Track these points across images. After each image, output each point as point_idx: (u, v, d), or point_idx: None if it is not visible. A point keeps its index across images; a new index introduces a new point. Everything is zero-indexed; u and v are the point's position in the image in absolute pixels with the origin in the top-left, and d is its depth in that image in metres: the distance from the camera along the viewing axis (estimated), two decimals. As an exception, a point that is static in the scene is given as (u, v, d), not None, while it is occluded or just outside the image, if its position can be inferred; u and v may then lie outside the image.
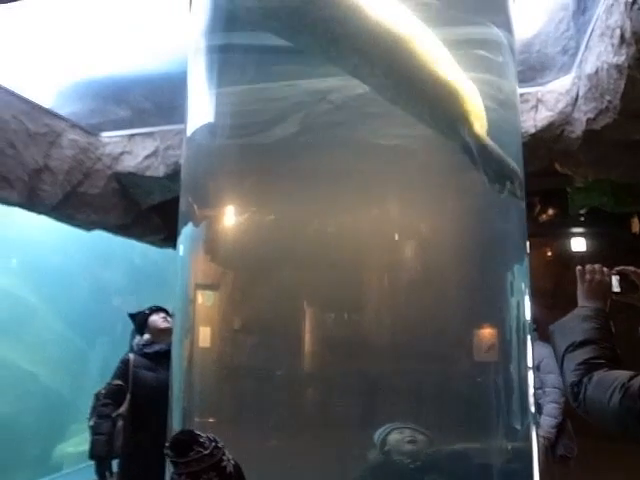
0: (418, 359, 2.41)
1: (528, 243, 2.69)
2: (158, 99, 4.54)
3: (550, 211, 6.60)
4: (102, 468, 3.01)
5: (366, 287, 2.71)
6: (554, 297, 6.40)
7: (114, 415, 3.04)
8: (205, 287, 2.87)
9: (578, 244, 7.19)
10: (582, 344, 1.35)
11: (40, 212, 4.15)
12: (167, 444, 1.44)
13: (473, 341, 2.44)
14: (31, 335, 7.13)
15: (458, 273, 2.53)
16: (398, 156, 2.61)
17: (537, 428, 3.96)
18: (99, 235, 5.55)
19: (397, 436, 2.28)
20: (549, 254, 7.66)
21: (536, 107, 3.71)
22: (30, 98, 4.02)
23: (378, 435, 2.32)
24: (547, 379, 4.05)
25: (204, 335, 2.75)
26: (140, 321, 3.42)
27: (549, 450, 3.97)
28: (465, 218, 2.61)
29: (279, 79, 2.83)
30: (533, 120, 3.71)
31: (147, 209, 4.96)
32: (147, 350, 3.28)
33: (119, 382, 3.15)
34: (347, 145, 2.66)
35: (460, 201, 2.67)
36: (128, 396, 3.11)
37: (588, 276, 1.47)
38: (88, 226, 4.68)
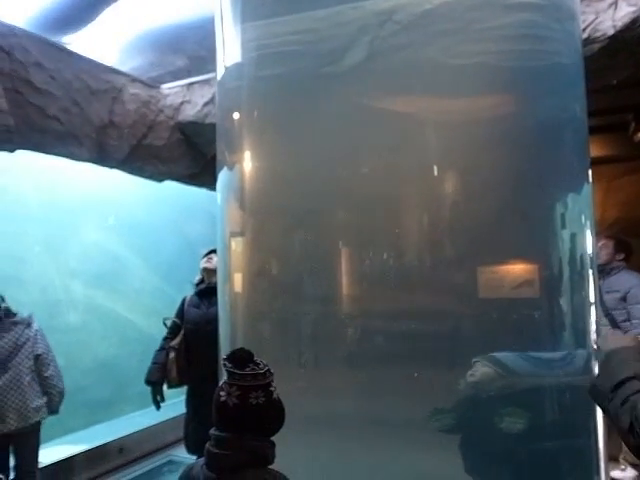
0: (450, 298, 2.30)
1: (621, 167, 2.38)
2: (213, 45, 4.54)
3: (648, 129, 5.91)
4: (154, 393, 3.31)
5: (409, 223, 2.59)
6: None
7: (167, 347, 3.29)
8: (239, 234, 2.88)
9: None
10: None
11: (110, 166, 4.36)
12: (225, 356, 1.50)
13: (503, 276, 2.28)
14: (126, 286, 7.72)
15: (494, 205, 2.34)
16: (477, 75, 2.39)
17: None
18: (182, 190, 5.80)
19: (485, 370, 2.21)
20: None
21: (615, 4, 3.25)
22: (92, 57, 4.16)
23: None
24: (634, 310, 3.72)
25: (238, 280, 2.79)
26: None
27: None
28: (506, 143, 2.38)
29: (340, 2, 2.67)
30: (612, 20, 3.26)
31: (213, 157, 5.04)
32: (196, 289, 3.49)
33: (175, 319, 3.38)
34: (419, 68, 2.48)
35: (504, 123, 2.42)
36: (181, 331, 3.32)
37: None
38: (158, 177, 4.86)
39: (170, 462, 4.45)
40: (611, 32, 3.25)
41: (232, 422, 1.43)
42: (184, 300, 3.49)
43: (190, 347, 3.35)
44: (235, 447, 1.40)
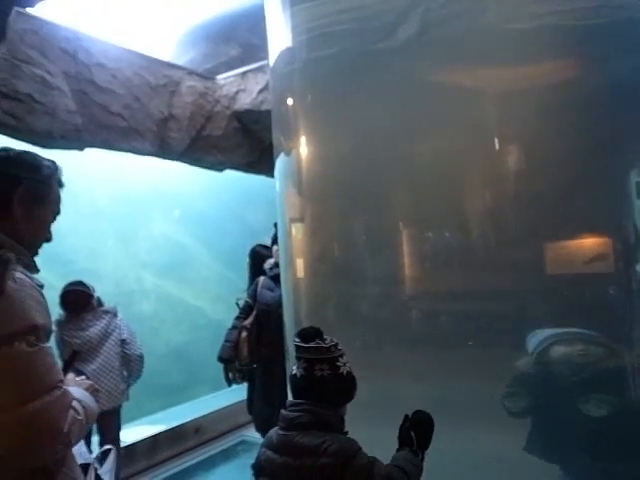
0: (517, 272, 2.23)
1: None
2: (264, 32, 4.57)
3: None
4: (226, 370, 3.43)
5: (470, 198, 2.51)
6: None
7: (240, 326, 3.38)
8: (299, 219, 2.90)
9: None
10: None
11: (172, 158, 4.50)
12: (296, 332, 1.65)
13: (573, 251, 2.17)
14: (193, 274, 8.01)
15: (562, 177, 2.23)
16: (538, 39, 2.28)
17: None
18: (243, 179, 5.91)
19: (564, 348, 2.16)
20: None
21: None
22: (148, 53, 4.29)
23: (537, 345, 2.20)
24: None
25: (300, 265, 2.82)
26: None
27: None
28: (575, 110, 2.24)
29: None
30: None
31: (270, 144, 5.09)
32: (270, 273, 3.54)
33: (248, 299, 3.47)
34: (475, 37, 2.38)
35: (571, 89, 2.29)
36: (254, 311, 3.40)
37: None
38: (218, 167, 4.97)
39: (243, 442, 4.60)
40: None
41: (300, 391, 1.57)
42: (257, 282, 3.57)
43: (261, 328, 3.44)
44: (301, 410, 1.53)
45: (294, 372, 1.60)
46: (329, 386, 1.55)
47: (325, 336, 1.61)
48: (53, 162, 1.46)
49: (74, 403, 1.24)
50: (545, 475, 2.24)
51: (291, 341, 1.65)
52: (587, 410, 2.13)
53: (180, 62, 4.64)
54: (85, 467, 1.50)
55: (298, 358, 1.58)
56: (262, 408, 3.41)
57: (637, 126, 2.26)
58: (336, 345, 1.60)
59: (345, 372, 1.57)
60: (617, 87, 2.25)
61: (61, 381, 1.22)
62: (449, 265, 2.46)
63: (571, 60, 2.37)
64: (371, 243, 2.70)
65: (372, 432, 2.36)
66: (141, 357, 3.52)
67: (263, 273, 3.64)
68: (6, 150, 1.39)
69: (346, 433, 1.57)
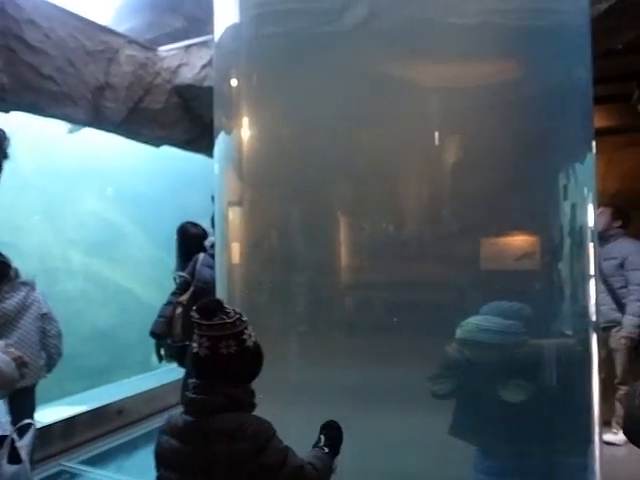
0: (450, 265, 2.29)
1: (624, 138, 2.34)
2: (211, 6, 4.46)
3: (652, 98, 5.83)
4: (157, 346, 3.35)
5: (406, 191, 2.56)
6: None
7: (175, 302, 3.31)
8: (237, 203, 2.86)
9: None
10: None
11: (107, 129, 4.31)
12: (194, 307, 1.49)
13: (502, 249, 2.26)
14: (125, 255, 7.74)
15: (495, 175, 2.30)
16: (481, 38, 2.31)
17: (620, 328, 3.74)
18: (180, 159, 5.75)
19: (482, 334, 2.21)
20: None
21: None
22: (87, 17, 4.08)
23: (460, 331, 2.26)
24: (632, 276, 3.71)
25: (235, 251, 2.78)
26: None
27: (632, 350, 3.70)
28: (509, 109, 2.32)
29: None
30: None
31: (211, 122, 4.98)
32: (211, 251, 3.46)
33: (185, 275, 3.38)
34: (419, 28, 2.38)
35: (506, 88, 2.36)
36: (191, 288, 3.33)
37: None
38: (155, 142, 4.81)
39: (169, 425, 4.50)
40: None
41: (206, 372, 1.45)
42: (196, 259, 3.48)
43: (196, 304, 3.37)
44: (211, 392, 1.43)
45: (195, 351, 1.44)
46: (238, 363, 1.44)
47: (227, 307, 1.48)
48: (3, 131, 1.37)
49: None
50: (467, 457, 2.33)
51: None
52: (505, 395, 2.22)
53: (120, 29, 4.44)
54: (1, 439, 1.41)
55: (200, 336, 1.44)
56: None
57: (564, 130, 2.34)
58: (240, 317, 1.48)
59: (252, 344, 1.47)
60: (549, 90, 2.32)
61: None
62: (383, 256, 2.48)
63: (508, 60, 2.43)
64: (308, 231, 2.65)
65: (300, 420, 2.38)
66: (60, 354, 3.37)
67: (192, 251, 3.56)
68: None
69: (254, 405, 1.50)
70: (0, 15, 3.40)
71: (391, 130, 2.46)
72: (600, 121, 5.21)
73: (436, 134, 2.35)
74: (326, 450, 1.56)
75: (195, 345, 1.45)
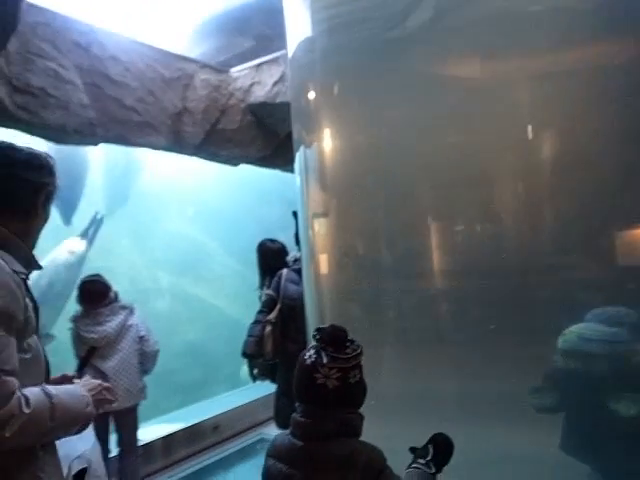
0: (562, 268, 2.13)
1: None
2: (278, 23, 4.50)
3: None
4: (251, 366, 3.36)
5: (504, 190, 2.40)
6: None
7: (264, 321, 3.30)
8: (322, 215, 2.82)
9: None
10: None
11: (187, 153, 4.44)
12: (319, 335, 1.44)
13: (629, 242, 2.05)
14: (209, 272, 7.97)
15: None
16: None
17: None
18: (256, 175, 5.84)
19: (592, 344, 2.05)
20: None
21: None
22: (161, 47, 4.23)
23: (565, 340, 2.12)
24: None
25: (323, 260, 2.75)
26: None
27: None
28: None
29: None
30: None
31: (286, 137, 5.01)
32: (294, 266, 3.45)
33: (271, 292, 3.38)
34: (492, 21, 2.28)
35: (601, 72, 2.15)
36: (278, 305, 3.31)
37: None
38: (232, 161, 4.89)
39: (262, 440, 4.53)
40: None
41: (331, 402, 1.39)
42: (280, 275, 3.47)
43: (286, 322, 3.35)
44: (324, 417, 1.38)
45: (321, 382, 1.37)
46: (360, 389, 1.43)
47: (349, 336, 1.45)
48: (51, 157, 1.44)
49: (22, 396, 1.17)
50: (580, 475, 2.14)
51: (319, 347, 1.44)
52: (617, 410, 2.03)
53: (193, 55, 4.57)
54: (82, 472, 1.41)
55: (330, 368, 1.37)
56: (286, 404, 3.32)
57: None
58: (359, 344, 1.45)
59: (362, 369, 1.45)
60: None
61: (3, 371, 1.16)
62: (482, 260, 2.36)
63: (595, 42, 2.24)
64: (399, 237, 2.60)
65: (393, 427, 2.30)
66: (157, 353, 3.44)
67: (273, 267, 3.55)
68: (13, 148, 1.36)
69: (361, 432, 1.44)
70: (86, 55, 3.59)
71: (477, 129, 2.35)
72: None
73: (530, 129, 2.21)
74: (433, 470, 1.45)
75: (320, 376, 1.38)
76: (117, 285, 3.63)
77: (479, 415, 2.25)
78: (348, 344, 1.42)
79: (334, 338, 1.42)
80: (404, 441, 2.32)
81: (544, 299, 2.22)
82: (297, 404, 1.46)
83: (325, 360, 1.39)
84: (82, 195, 6.30)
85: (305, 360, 1.43)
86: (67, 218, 6.30)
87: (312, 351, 1.43)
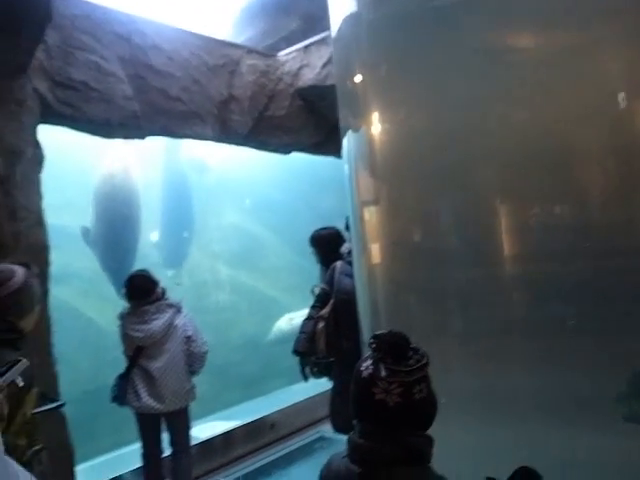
0: None
1: None
2: (324, 1, 4.25)
3: None
4: (302, 364, 3.19)
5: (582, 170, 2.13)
6: None
7: (316, 316, 3.09)
8: (373, 202, 2.63)
9: None
10: None
11: (235, 143, 4.30)
12: (376, 344, 1.22)
13: None
14: (265, 263, 7.89)
15: None
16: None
17: None
18: (311, 163, 5.65)
19: None
20: None
21: None
22: (205, 34, 4.09)
23: None
24: None
25: (375, 250, 2.58)
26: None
27: None
28: None
29: None
30: None
31: (338, 122, 4.77)
32: (349, 258, 3.21)
33: (324, 286, 3.20)
34: None
35: None
36: (332, 300, 3.12)
37: None
38: (283, 149, 4.71)
39: (321, 438, 4.36)
40: None
41: (391, 421, 1.18)
42: (334, 268, 3.22)
43: (340, 318, 3.11)
44: (386, 440, 1.16)
45: (380, 397, 1.17)
46: (426, 407, 1.20)
47: (411, 342, 1.21)
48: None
49: None
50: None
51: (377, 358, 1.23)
52: None
53: (239, 41, 4.42)
54: None
55: (390, 382, 1.17)
56: (342, 407, 3.11)
57: None
58: (426, 352, 1.21)
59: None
60: None
61: None
62: (555, 244, 2.08)
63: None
64: (456, 223, 2.38)
65: (462, 427, 2.07)
66: (205, 354, 3.27)
67: (333, 258, 3.32)
68: None
69: (431, 456, 1.21)
70: (128, 45, 3.50)
71: (545, 105, 2.07)
72: None
73: (619, 98, 1.91)
74: None
75: (379, 391, 1.18)
76: (177, 279, 3.51)
77: (559, 417, 1.99)
78: (411, 353, 1.19)
79: (393, 347, 1.20)
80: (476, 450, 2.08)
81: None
82: (355, 422, 1.24)
83: (384, 373, 1.17)
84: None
85: (361, 372, 1.21)
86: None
87: (369, 361, 1.21)
